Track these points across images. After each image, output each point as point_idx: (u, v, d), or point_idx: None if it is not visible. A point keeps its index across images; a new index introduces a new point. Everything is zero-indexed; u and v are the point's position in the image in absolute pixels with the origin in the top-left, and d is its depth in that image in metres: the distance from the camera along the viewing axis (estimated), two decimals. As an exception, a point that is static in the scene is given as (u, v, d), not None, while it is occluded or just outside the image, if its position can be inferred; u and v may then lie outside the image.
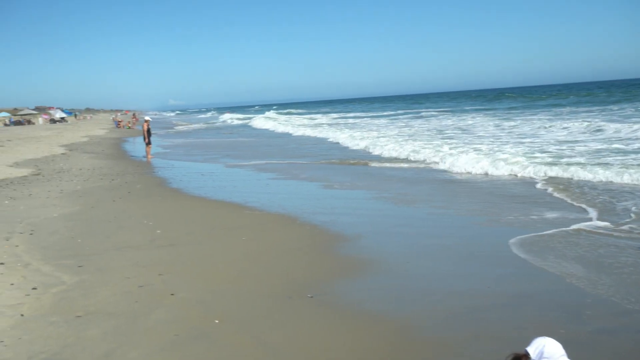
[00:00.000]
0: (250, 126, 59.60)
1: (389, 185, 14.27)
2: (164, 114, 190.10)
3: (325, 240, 8.90)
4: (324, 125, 49.04)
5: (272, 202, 12.18)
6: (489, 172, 15.52)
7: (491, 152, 18.53)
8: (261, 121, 63.61)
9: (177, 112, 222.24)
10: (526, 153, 17.89)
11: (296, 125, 51.80)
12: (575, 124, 28.36)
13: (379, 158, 21.19)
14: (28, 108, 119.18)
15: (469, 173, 15.82)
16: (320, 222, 10.09)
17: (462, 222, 9.89)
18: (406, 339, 5.20)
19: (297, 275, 7.11)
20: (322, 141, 31.63)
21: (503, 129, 30.19)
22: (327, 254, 8.09)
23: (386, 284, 6.79)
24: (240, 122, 72.22)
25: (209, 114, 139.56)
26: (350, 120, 57.74)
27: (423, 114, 61.32)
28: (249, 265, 7.58)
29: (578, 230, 8.74)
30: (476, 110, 60.12)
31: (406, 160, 19.87)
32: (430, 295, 6.35)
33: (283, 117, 72.74)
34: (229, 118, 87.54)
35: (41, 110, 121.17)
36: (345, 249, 8.34)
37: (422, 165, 17.07)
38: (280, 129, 49.15)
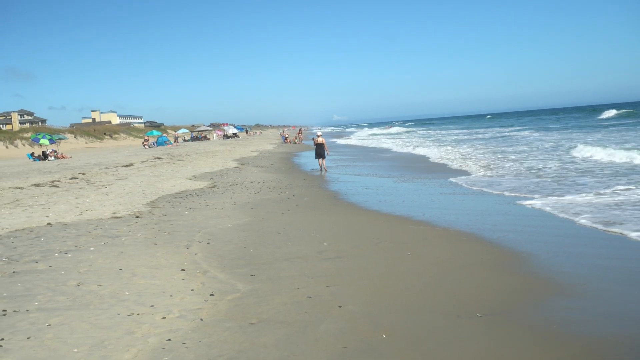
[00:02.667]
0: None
1: (556, 202, 13.47)
2: (329, 128, 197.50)
3: (493, 258, 8.57)
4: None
5: (437, 217, 12.00)
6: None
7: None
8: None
9: (331, 127, 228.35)
10: None
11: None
12: None
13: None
14: (204, 124, 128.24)
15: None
16: (487, 239, 9.76)
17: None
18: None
19: (465, 293, 6.90)
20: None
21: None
22: (496, 273, 7.78)
23: (562, 306, 6.38)
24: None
25: (348, 129, 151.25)
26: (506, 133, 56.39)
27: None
28: (414, 281, 7.48)
29: None
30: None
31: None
32: (614, 321, 5.88)
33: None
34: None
35: (215, 126, 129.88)
36: (515, 268, 7.97)
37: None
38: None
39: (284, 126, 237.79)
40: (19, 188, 18.79)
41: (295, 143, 65.58)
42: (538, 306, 6.43)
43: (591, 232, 10.11)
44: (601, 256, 8.40)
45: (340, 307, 6.47)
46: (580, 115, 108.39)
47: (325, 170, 25.46)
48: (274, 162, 33.11)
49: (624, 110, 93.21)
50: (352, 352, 5.23)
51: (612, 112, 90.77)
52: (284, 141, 68.67)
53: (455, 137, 62.01)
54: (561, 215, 11.70)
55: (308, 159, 31.48)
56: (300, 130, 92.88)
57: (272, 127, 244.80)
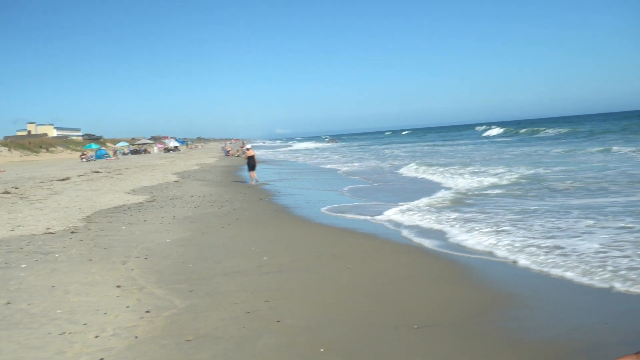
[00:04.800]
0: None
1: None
2: (267, 142, 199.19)
3: (433, 269, 8.70)
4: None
5: (377, 229, 12.10)
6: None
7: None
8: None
9: (267, 141, 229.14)
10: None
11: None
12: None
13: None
14: (144, 138, 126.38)
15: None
16: (428, 250, 9.90)
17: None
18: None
19: (403, 305, 6.96)
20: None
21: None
22: (434, 284, 7.88)
23: (498, 316, 6.52)
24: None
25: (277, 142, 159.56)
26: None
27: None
28: (354, 294, 7.51)
29: None
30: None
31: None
32: (548, 330, 6.04)
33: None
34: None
35: (156, 139, 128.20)
36: (453, 279, 8.11)
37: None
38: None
39: (227, 139, 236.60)
40: (-53, 203, 18.03)
41: (238, 156, 65.26)
42: (474, 316, 6.54)
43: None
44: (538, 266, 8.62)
45: (278, 321, 6.43)
46: (470, 133, 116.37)
47: (257, 181, 26.21)
48: (215, 175, 32.81)
49: (504, 129, 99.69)
50: (290, 367, 5.20)
51: (496, 131, 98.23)
52: (226, 154, 68.27)
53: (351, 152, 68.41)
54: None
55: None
56: (243, 143, 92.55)
57: (214, 140, 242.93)
